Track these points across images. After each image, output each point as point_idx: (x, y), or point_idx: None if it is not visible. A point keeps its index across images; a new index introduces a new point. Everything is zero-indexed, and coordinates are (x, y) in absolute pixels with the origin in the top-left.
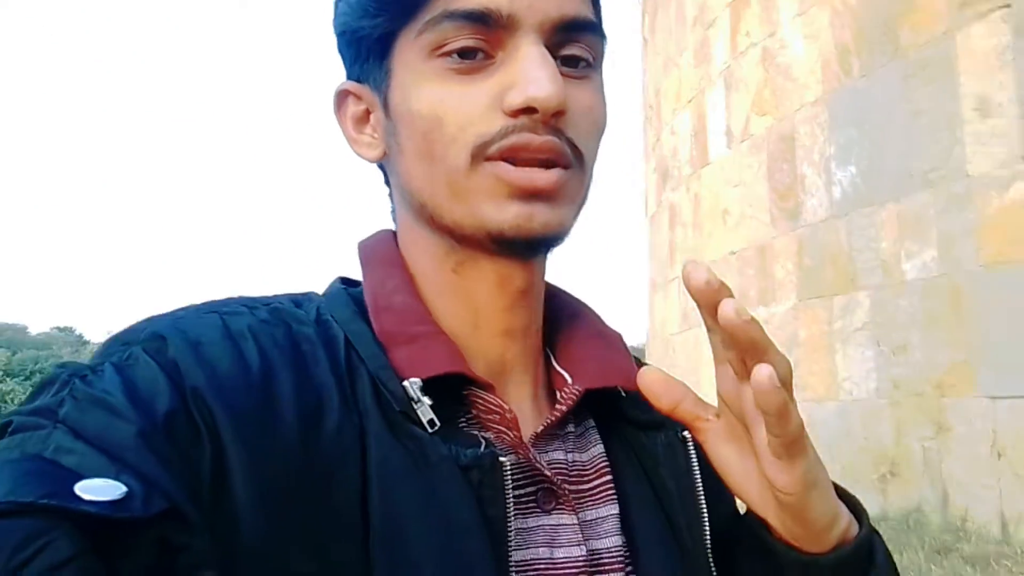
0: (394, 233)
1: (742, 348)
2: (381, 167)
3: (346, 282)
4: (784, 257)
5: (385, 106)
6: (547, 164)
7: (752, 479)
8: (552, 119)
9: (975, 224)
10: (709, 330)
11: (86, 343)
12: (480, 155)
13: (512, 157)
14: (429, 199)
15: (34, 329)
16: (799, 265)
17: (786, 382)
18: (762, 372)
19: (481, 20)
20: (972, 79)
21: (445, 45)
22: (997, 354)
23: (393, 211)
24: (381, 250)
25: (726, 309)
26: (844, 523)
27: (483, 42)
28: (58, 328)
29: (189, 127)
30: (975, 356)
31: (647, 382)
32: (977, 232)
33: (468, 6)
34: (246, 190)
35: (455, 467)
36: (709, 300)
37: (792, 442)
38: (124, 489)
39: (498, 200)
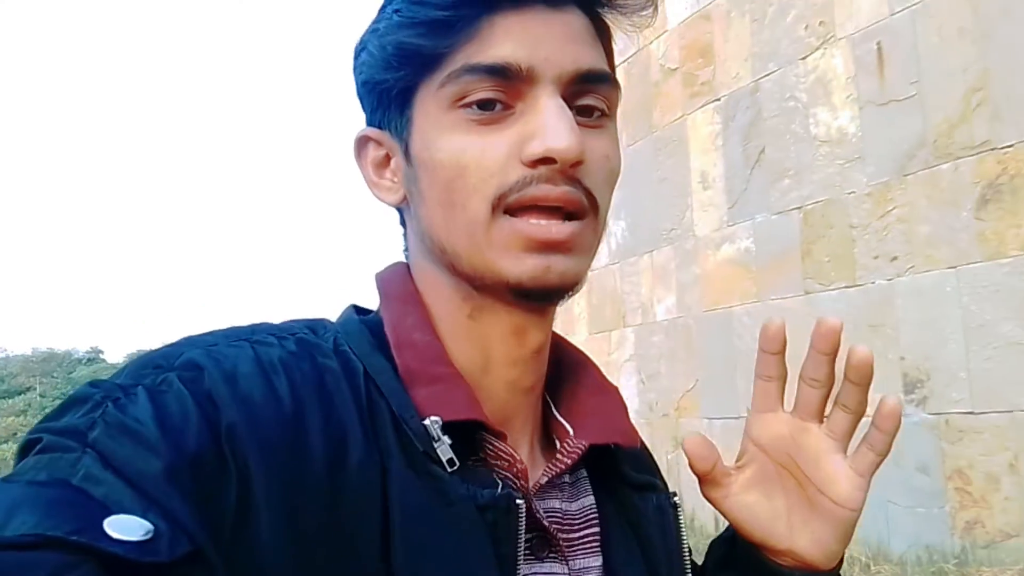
0: (408, 267)
1: (862, 383)
2: (398, 210)
3: (358, 311)
4: (579, 296)
5: (406, 153)
6: (564, 215)
7: (780, 517)
8: (570, 169)
9: (699, 276)
10: (765, 379)
11: None
12: (499, 206)
13: (531, 208)
14: (449, 246)
15: None
16: (589, 303)
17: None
18: (892, 401)
19: (500, 73)
20: (697, 156)
21: (465, 97)
22: (714, 383)
23: (406, 251)
24: (399, 285)
25: (861, 350)
26: None
27: (502, 94)
28: None
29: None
30: (700, 384)
31: (692, 446)
32: (701, 282)
33: (488, 60)
34: (160, 219)
35: (473, 507)
36: (834, 345)
37: (880, 462)
38: (151, 528)
39: (516, 253)
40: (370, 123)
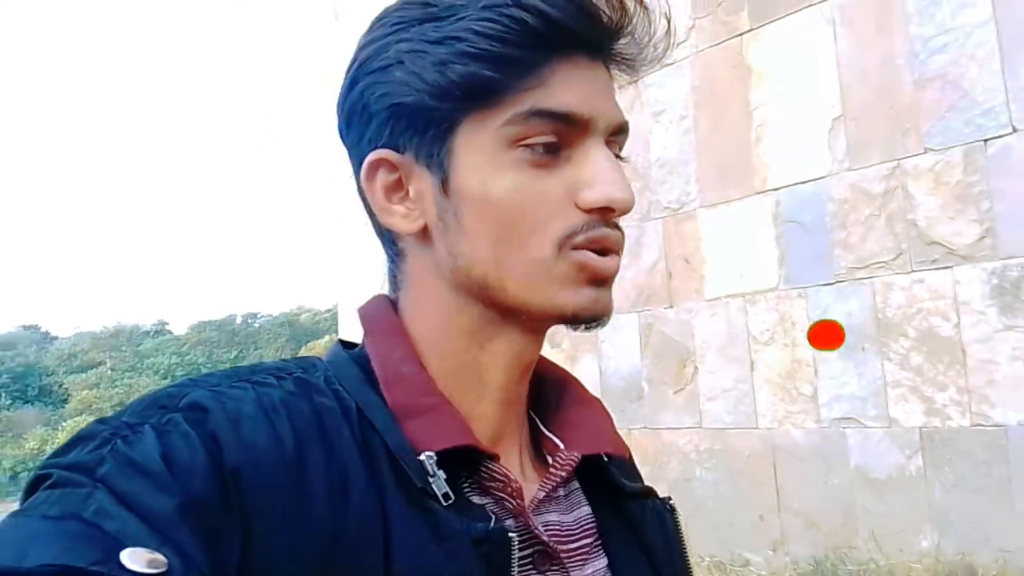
0: (388, 299)
1: None
2: (390, 239)
3: (344, 345)
4: None
5: (443, 184)
6: (611, 253)
7: None
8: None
9: None
10: None
11: (53, 339)
12: (565, 245)
13: (594, 248)
14: (495, 279)
15: None
16: None
17: None
18: None
19: (566, 121)
20: None
21: (527, 138)
22: None
23: (395, 278)
24: (383, 319)
25: None
26: None
27: (561, 136)
28: (24, 326)
29: (171, 128)
30: None
31: None
32: None
33: (557, 107)
34: (227, 193)
35: (468, 540)
36: None
37: None
38: (165, 562)
39: (577, 286)
40: (386, 144)
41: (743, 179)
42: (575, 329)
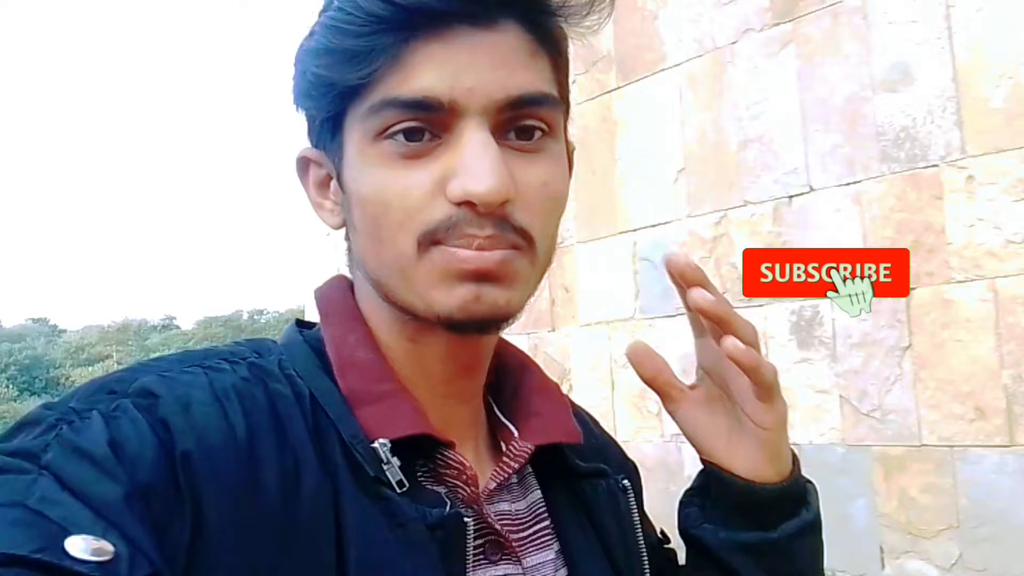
0: (349, 281)
1: (713, 323)
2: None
3: (301, 324)
4: None
5: (339, 180)
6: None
7: (721, 436)
8: (498, 209)
9: None
10: (688, 310)
11: (61, 332)
12: (426, 241)
13: (457, 242)
14: (382, 277)
15: (8, 322)
16: None
17: (753, 343)
18: (727, 343)
19: (421, 107)
20: None
21: (388, 129)
22: None
23: (350, 265)
24: (339, 301)
25: (695, 296)
26: (790, 459)
27: (427, 123)
28: (32, 319)
29: (180, 125)
30: None
31: (634, 352)
32: None
33: (407, 94)
34: (235, 190)
35: (423, 527)
36: (686, 283)
37: (769, 387)
38: (111, 549)
39: (447, 283)
40: (311, 143)
41: (609, 220)
42: (463, 334)
